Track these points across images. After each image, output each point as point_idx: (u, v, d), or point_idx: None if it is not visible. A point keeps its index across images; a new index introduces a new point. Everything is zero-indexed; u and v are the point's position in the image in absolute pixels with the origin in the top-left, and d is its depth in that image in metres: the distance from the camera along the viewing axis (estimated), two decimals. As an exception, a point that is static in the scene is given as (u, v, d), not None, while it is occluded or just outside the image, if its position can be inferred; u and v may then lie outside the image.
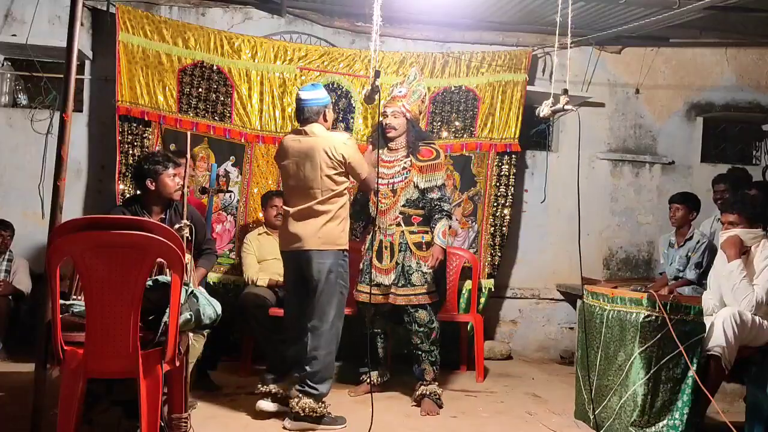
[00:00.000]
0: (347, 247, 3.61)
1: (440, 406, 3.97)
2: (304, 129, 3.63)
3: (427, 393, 3.97)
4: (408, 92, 4.17)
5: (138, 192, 3.71)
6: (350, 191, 4.41)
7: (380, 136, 4.08)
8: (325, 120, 3.67)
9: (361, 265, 4.13)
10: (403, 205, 4.05)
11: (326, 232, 3.52)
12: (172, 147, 4.82)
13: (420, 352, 4.03)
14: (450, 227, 4.13)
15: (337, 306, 3.56)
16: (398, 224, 4.05)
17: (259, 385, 3.70)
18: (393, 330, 4.38)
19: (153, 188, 3.56)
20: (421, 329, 4.00)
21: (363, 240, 4.22)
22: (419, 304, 3.99)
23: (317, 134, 3.58)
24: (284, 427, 3.49)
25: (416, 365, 4.09)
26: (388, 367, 4.35)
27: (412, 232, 4.04)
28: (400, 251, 4.02)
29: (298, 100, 3.67)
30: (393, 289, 4.01)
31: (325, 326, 3.53)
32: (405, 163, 4.07)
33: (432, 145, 4.16)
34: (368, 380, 4.07)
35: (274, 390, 3.65)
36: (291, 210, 3.63)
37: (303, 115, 3.64)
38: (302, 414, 3.45)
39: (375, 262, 4.05)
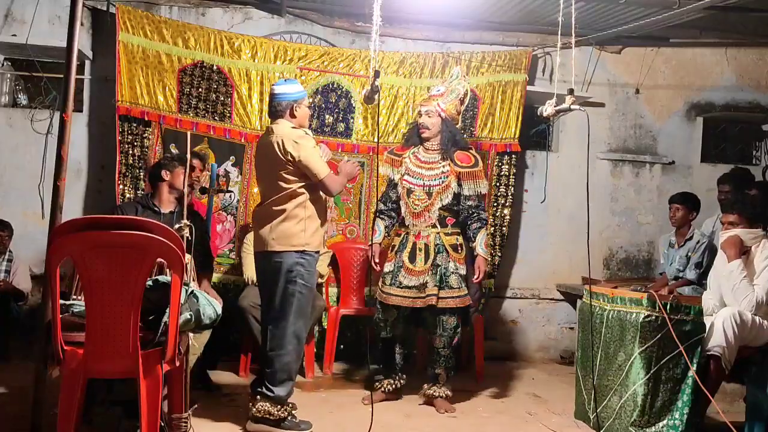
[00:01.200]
0: (310, 248, 3.44)
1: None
2: (271, 126, 3.51)
3: (438, 394, 3.96)
4: (446, 91, 4.08)
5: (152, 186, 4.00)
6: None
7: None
8: (293, 116, 3.49)
9: (386, 266, 4.04)
10: (439, 208, 4.00)
11: (280, 231, 3.39)
12: (172, 147, 4.83)
13: (440, 357, 3.98)
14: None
15: (296, 307, 3.41)
16: (433, 225, 3.99)
17: (250, 404, 3.48)
18: (405, 332, 4.23)
19: (167, 178, 3.87)
20: (446, 333, 3.94)
21: (391, 240, 4.16)
22: (455, 307, 3.92)
23: (275, 131, 3.44)
24: (245, 429, 3.42)
25: (431, 367, 4.03)
26: (402, 371, 4.20)
27: (447, 234, 3.99)
28: (437, 253, 3.95)
29: (270, 95, 3.55)
30: (429, 290, 3.91)
31: (282, 328, 3.40)
32: (444, 167, 4.00)
33: (470, 151, 4.09)
34: (380, 387, 4.05)
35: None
36: (258, 210, 3.58)
37: (272, 109, 3.53)
38: (258, 416, 3.36)
39: (407, 263, 3.97)
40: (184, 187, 3.38)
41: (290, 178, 3.41)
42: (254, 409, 3.38)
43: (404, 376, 4.15)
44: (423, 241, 3.98)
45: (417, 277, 3.94)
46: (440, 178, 3.99)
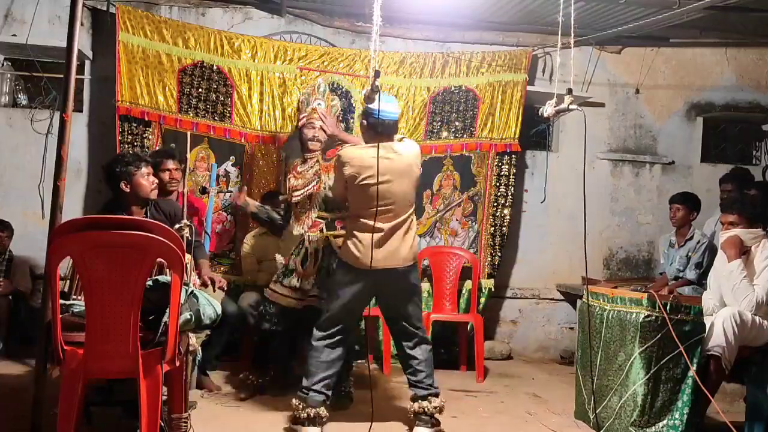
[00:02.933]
0: None
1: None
2: (392, 146, 3.39)
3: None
4: (327, 108, 3.99)
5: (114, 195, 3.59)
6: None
7: (302, 148, 3.94)
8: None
9: (282, 265, 3.97)
10: (320, 209, 3.88)
11: (414, 245, 3.49)
12: (173, 147, 4.83)
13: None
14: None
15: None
16: (321, 230, 3.87)
17: (298, 403, 3.36)
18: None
19: (128, 190, 3.50)
20: None
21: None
22: None
23: (403, 151, 3.43)
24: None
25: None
26: (277, 368, 4.06)
27: (336, 237, 3.83)
28: (324, 256, 3.84)
29: (386, 113, 3.38)
30: (313, 291, 3.85)
31: (424, 333, 3.61)
32: (316, 167, 3.90)
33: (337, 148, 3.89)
34: (249, 380, 3.98)
35: (316, 413, 3.36)
36: (384, 227, 3.35)
37: (390, 130, 3.43)
38: (433, 413, 3.49)
39: (299, 267, 3.87)
40: (184, 186, 3.37)
41: (414, 193, 3.54)
42: (431, 408, 3.48)
43: (269, 375, 4.04)
44: (314, 245, 3.87)
45: (307, 280, 3.85)
46: (315, 179, 3.89)
